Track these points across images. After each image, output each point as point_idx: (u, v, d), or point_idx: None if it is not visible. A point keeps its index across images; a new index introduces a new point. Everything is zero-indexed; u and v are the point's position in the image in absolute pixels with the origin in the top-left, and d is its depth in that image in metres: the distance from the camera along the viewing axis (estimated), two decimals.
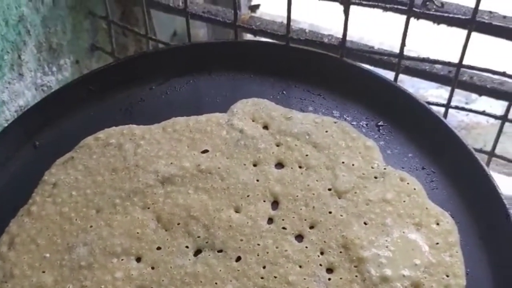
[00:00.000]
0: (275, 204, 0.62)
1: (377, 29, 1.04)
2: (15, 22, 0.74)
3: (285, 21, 0.73)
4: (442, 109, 0.76)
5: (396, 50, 0.72)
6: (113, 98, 0.73)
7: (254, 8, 1.22)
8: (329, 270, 0.57)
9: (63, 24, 0.84)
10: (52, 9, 0.81)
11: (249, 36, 1.15)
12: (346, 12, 0.67)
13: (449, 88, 0.74)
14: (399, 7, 0.68)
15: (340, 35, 0.72)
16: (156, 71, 0.74)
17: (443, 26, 0.73)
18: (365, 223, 0.59)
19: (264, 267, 0.57)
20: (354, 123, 0.68)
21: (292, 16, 0.72)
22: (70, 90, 0.73)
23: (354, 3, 0.68)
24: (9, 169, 0.68)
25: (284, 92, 0.71)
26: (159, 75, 0.74)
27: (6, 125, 0.76)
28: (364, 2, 0.68)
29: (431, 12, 0.68)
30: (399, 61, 0.73)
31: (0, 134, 0.69)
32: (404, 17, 0.69)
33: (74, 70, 0.90)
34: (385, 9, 0.69)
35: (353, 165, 0.64)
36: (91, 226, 0.61)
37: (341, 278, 0.56)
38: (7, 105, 0.77)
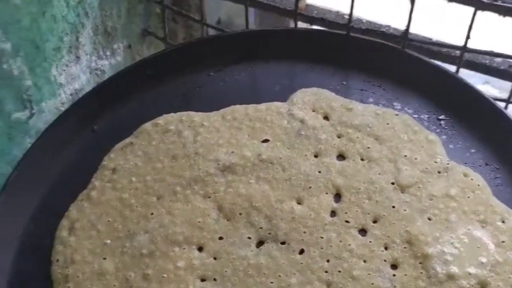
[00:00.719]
0: (337, 196, 0.61)
1: (431, 22, 1.02)
2: (75, 3, 0.74)
3: (340, 11, 0.72)
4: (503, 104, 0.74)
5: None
6: (171, 83, 0.73)
7: None
8: (394, 266, 0.56)
9: (118, 8, 0.84)
10: None
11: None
12: (413, 1, 0.66)
13: (496, 84, 0.73)
14: None
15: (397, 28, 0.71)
16: (214, 58, 0.73)
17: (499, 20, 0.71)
18: (429, 219, 0.58)
19: (328, 261, 0.56)
20: (415, 116, 0.67)
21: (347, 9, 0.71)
22: (128, 75, 0.72)
23: None
24: (68, 153, 0.68)
25: (344, 82, 0.70)
26: (217, 61, 0.73)
27: (62, 108, 0.76)
28: None
29: (499, 3, 0.67)
30: (461, 54, 0.71)
31: (59, 118, 0.68)
32: (464, 9, 0.68)
33: (126, 54, 0.90)
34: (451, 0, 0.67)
35: (415, 159, 0.63)
36: (152, 214, 0.61)
37: (405, 275, 0.55)
38: (63, 88, 0.77)
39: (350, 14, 0.71)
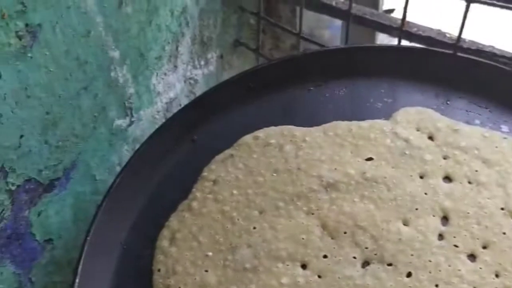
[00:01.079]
0: (444, 219, 0.59)
1: None
2: (178, 13, 0.74)
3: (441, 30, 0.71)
4: None
5: None
6: (271, 97, 0.72)
7: (389, 12, 1.19)
8: None
9: (215, 18, 0.84)
10: (209, 2, 0.81)
11: (387, 40, 1.13)
12: None
13: None
14: None
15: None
16: (315, 72, 0.73)
17: None
18: None
19: (436, 286, 0.55)
20: None
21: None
22: (229, 86, 0.72)
23: None
24: (168, 162, 0.68)
25: (448, 102, 0.69)
26: (318, 76, 0.73)
27: (157, 116, 0.77)
28: None
29: None
30: None
31: (161, 127, 0.69)
32: None
33: (218, 64, 0.90)
34: None
35: None
36: (254, 228, 0.61)
37: None
38: (160, 96, 0.77)
39: (460, 34, 0.69)
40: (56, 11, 0.55)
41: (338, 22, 1.22)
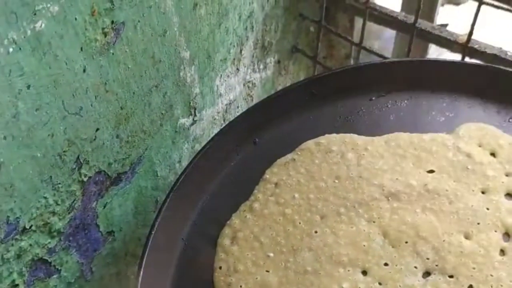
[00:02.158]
0: (506, 235, 0.60)
1: None
2: (245, 17, 0.76)
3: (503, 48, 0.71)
4: None
5: None
6: (334, 104, 0.73)
7: (442, 27, 1.20)
8: None
9: (277, 24, 0.86)
10: (273, 8, 0.82)
11: (437, 53, 1.14)
12: None
13: None
14: None
15: None
16: (378, 83, 0.74)
17: None
18: None
19: None
20: None
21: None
22: (293, 92, 0.73)
23: None
24: (230, 162, 0.70)
25: (510, 120, 0.69)
26: (380, 87, 0.74)
27: (217, 117, 0.78)
28: None
29: None
30: None
31: (225, 128, 0.70)
32: None
33: (275, 69, 0.91)
34: None
35: None
36: (315, 232, 0.62)
37: None
38: (221, 98, 0.79)
39: None
40: (139, 10, 0.57)
41: (388, 33, 1.23)
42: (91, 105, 0.56)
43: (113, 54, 0.56)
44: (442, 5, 1.26)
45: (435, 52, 1.13)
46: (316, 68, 0.92)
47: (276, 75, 0.92)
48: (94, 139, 0.58)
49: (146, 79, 0.62)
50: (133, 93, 0.61)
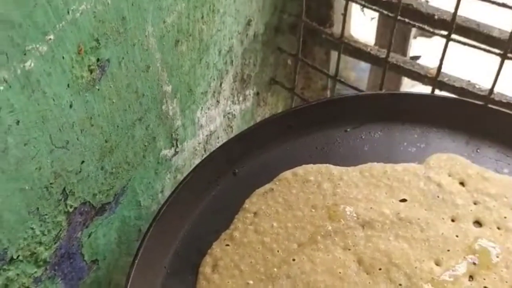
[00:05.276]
0: (474, 262, 0.63)
1: None
2: (225, 52, 0.79)
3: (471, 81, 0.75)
4: None
5: None
6: (310, 136, 0.76)
7: (415, 59, 1.24)
8: None
9: (255, 57, 0.89)
10: (251, 42, 0.85)
11: (411, 84, 1.18)
12: None
13: None
14: None
15: None
16: (352, 115, 0.77)
17: None
18: None
19: None
20: None
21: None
22: (270, 124, 0.76)
23: None
24: (211, 193, 0.72)
25: (478, 150, 0.73)
26: (355, 119, 0.77)
27: (198, 147, 0.81)
28: None
29: None
30: None
31: (206, 159, 0.72)
32: None
33: (254, 101, 0.94)
34: None
35: None
36: (293, 260, 0.64)
37: None
38: (202, 129, 0.81)
39: (492, 87, 0.73)
40: (124, 47, 0.59)
41: (364, 65, 1.27)
42: (77, 139, 0.58)
43: (98, 89, 0.58)
44: (415, 37, 1.30)
45: (409, 83, 1.16)
46: (294, 99, 0.95)
47: (255, 107, 0.94)
48: (80, 171, 0.60)
49: (130, 112, 0.64)
50: (117, 126, 0.63)
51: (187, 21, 0.68)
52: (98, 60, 0.56)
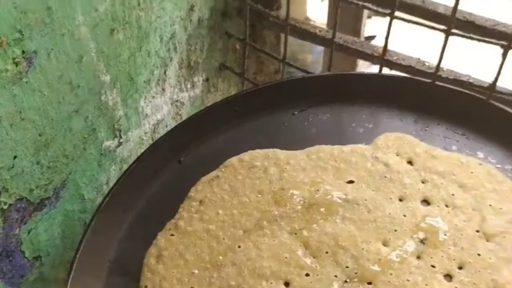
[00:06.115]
0: (421, 241, 0.62)
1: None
2: (167, 39, 0.77)
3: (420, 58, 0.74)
4: None
5: None
6: (257, 120, 0.75)
7: (370, 39, 1.23)
8: None
9: (202, 43, 0.87)
10: (196, 28, 0.83)
11: (367, 65, 1.17)
12: (504, 55, 0.67)
13: None
14: None
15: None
16: (299, 98, 0.75)
17: None
18: None
19: None
20: (499, 166, 0.68)
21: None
22: (216, 110, 0.74)
23: None
24: (155, 182, 0.71)
25: (427, 129, 0.72)
26: (302, 101, 0.76)
27: (144, 137, 0.79)
28: None
29: None
30: None
31: (150, 148, 0.71)
32: None
33: (203, 87, 0.93)
34: None
35: (500, 208, 0.63)
36: (239, 246, 0.63)
37: None
38: (148, 118, 0.80)
39: (438, 64, 0.72)
40: (51, 39, 0.57)
41: (320, 47, 1.26)
42: (7, 134, 0.56)
43: (26, 82, 0.56)
44: (370, 17, 1.29)
45: (365, 64, 1.16)
46: (245, 84, 0.94)
47: (206, 93, 0.93)
48: (12, 167, 0.58)
49: (65, 104, 0.62)
50: (52, 119, 0.61)
51: (122, 8, 0.66)
52: (23, 52, 0.55)
